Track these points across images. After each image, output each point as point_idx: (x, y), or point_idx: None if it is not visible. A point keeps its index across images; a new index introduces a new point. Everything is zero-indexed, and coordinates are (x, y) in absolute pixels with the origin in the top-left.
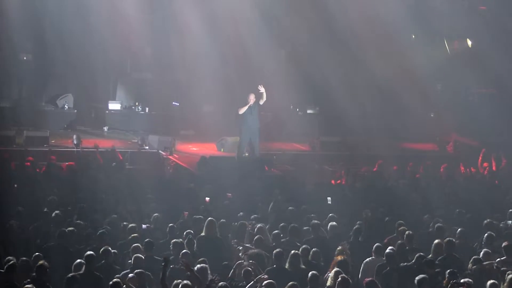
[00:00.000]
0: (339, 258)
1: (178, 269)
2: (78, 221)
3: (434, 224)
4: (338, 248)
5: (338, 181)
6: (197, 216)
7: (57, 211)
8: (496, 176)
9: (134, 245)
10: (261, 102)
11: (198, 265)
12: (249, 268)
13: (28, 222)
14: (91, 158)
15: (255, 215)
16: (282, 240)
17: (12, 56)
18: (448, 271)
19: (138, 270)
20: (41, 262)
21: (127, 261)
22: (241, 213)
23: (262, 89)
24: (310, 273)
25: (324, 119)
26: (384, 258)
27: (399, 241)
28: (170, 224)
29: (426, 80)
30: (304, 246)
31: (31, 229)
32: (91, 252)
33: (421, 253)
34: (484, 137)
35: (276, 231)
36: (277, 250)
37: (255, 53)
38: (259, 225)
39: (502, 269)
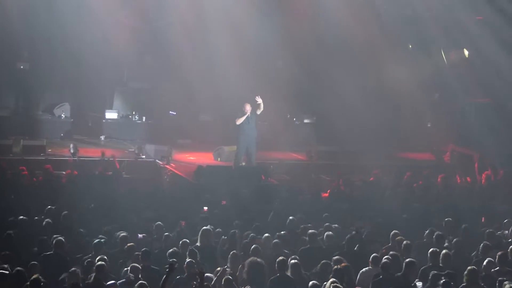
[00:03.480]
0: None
1: (185, 278)
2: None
3: (430, 234)
4: (334, 258)
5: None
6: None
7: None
8: (493, 185)
9: (135, 253)
10: (258, 112)
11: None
12: (230, 277)
13: (25, 231)
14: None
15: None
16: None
17: (9, 65)
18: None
19: (140, 282)
20: (35, 276)
21: (122, 270)
22: (236, 221)
23: (259, 100)
24: (311, 282)
25: (321, 128)
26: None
27: (393, 252)
28: (166, 233)
29: (423, 90)
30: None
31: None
32: (103, 263)
33: (412, 259)
34: (481, 147)
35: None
36: (280, 258)
37: (253, 62)
38: (265, 235)
39: (499, 279)
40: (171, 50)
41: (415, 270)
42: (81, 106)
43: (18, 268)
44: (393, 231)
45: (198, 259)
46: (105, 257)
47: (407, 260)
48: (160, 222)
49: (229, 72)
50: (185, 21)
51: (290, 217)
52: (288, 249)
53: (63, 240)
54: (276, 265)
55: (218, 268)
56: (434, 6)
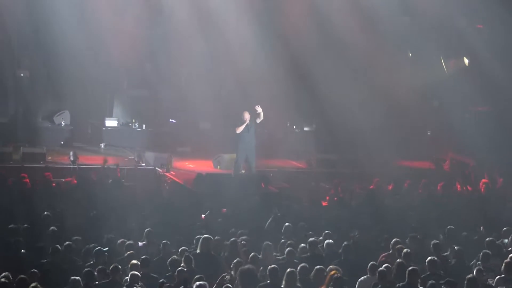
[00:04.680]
0: (333, 273)
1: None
2: (75, 238)
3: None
4: (330, 267)
5: (336, 198)
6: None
7: (53, 228)
8: (492, 194)
9: (132, 262)
10: (258, 121)
11: (197, 282)
12: (229, 285)
13: (26, 239)
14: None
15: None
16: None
17: (9, 72)
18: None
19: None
20: (33, 285)
21: (123, 278)
22: (232, 229)
23: (259, 109)
24: None
25: (321, 136)
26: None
27: (398, 260)
28: (164, 241)
29: (423, 98)
30: (303, 264)
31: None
32: (90, 269)
33: (414, 267)
34: (481, 156)
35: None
36: (272, 266)
37: (253, 70)
38: (266, 242)
39: (499, 287)
40: (171, 57)
41: (419, 278)
42: (81, 114)
43: (22, 276)
44: (394, 239)
45: (193, 265)
46: (119, 265)
47: (410, 268)
48: (150, 229)
49: (229, 80)
50: (185, 29)
51: (286, 224)
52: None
53: (60, 247)
54: (267, 272)
55: None
56: (435, 14)
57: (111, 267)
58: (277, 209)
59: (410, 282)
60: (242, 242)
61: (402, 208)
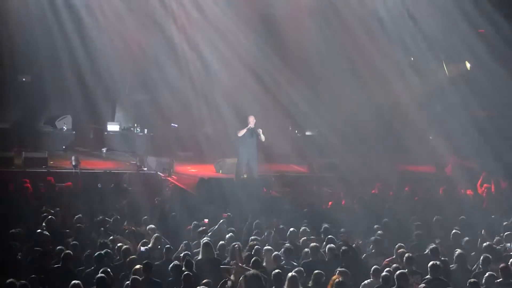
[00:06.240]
0: (335, 278)
1: None
2: (75, 242)
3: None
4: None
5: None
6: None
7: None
8: (494, 199)
9: (135, 267)
10: (262, 140)
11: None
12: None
13: (28, 243)
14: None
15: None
16: (282, 262)
17: (11, 77)
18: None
19: None
20: None
21: (124, 282)
22: (230, 234)
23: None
24: None
25: (323, 141)
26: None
27: (395, 264)
28: (167, 246)
29: (425, 103)
30: (298, 268)
31: (29, 250)
32: (103, 275)
33: (402, 271)
34: (482, 160)
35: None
36: (276, 271)
37: (255, 75)
38: (257, 247)
39: None
40: (173, 62)
41: (408, 282)
42: (83, 118)
43: (23, 281)
44: (398, 244)
45: (194, 269)
46: (109, 269)
47: (398, 272)
48: (158, 234)
49: (232, 85)
50: (187, 34)
51: (291, 229)
52: (291, 262)
53: (71, 253)
54: (272, 277)
55: None
56: (437, 19)
57: (100, 271)
58: (277, 218)
59: (399, 286)
60: (254, 246)
61: (404, 212)
